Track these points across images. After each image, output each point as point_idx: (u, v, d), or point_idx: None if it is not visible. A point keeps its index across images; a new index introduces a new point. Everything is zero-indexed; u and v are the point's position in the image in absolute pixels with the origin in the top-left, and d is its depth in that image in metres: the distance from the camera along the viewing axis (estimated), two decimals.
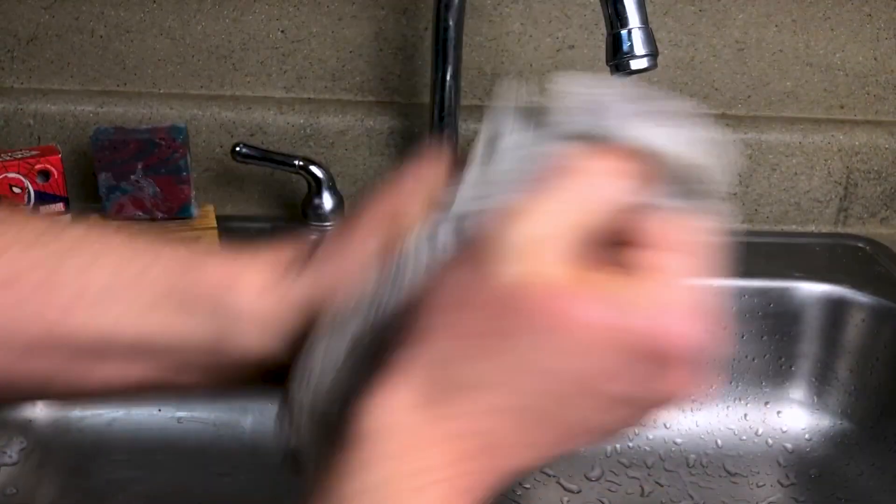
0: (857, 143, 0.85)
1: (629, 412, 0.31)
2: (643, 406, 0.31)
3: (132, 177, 0.74)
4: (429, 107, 0.74)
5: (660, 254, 0.29)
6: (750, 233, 0.87)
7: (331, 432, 0.33)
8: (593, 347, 0.28)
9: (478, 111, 0.84)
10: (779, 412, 0.80)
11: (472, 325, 0.29)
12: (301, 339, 0.36)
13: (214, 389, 0.39)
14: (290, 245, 0.38)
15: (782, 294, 0.78)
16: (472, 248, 0.30)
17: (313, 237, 0.38)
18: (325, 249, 0.36)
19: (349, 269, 0.35)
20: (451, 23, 0.70)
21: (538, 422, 0.30)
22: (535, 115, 0.30)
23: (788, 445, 0.78)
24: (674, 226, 0.30)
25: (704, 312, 0.29)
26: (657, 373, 0.29)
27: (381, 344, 0.32)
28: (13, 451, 0.71)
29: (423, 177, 0.35)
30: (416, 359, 0.30)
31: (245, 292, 0.36)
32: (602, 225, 0.30)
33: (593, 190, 0.30)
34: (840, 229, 0.89)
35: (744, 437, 0.78)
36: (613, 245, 0.30)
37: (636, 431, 0.35)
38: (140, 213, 0.76)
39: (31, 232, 0.36)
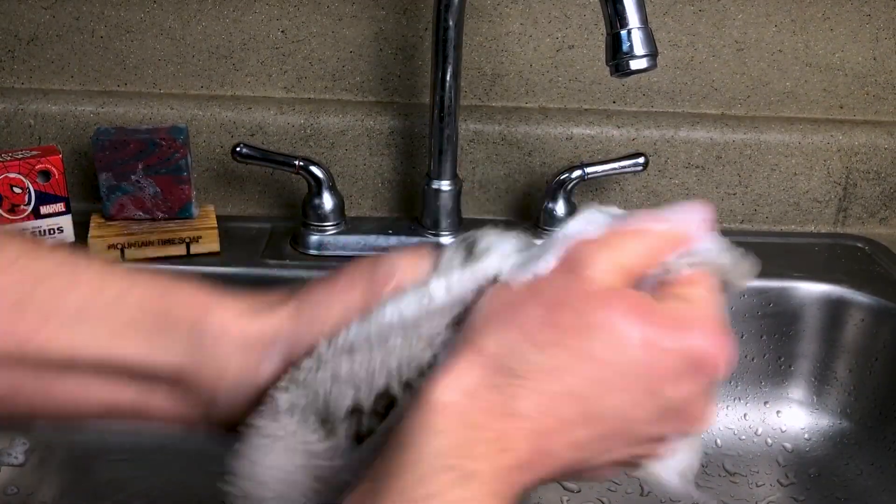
0: (856, 143, 0.85)
1: (665, 419, 0.36)
2: (677, 415, 0.36)
3: (133, 177, 0.75)
4: (429, 107, 0.75)
5: (695, 290, 0.36)
6: (749, 233, 0.88)
7: (387, 408, 0.36)
8: (649, 348, 0.34)
9: (478, 111, 0.84)
10: (778, 412, 0.80)
11: (547, 317, 0.34)
12: (274, 365, 0.38)
13: (174, 431, 0.40)
14: (265, 294, 0.40)
15: (781, 294, 0.78)
16: (566, 262, 0.36)
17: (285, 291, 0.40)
18: (307, 292, 0.39)
19: (332, 308, 0.38)
20: (451, 23, 0.70)
21: (586, 413, 0.34)
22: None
23: (788, 445, 0.78)
24: (701, 274, 0.37)
25: (728, 337, 0.35)
26: (698, 373, 0.35)
27: (446, 333, 0.36)
28: (18, 453, 0.71)
29: (401, 261, 0.39)
30: (483, 344, 0.34)
31: (223, 315, 0.38)
32: (655, 269, 0.37)
33: (653, 244, 0.37)
34: (839, 229, 0.89)
35: (743, 437, 0.78)
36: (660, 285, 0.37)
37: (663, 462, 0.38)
38: (140, 213, 0.76)
39: (10, 253, 0.37)
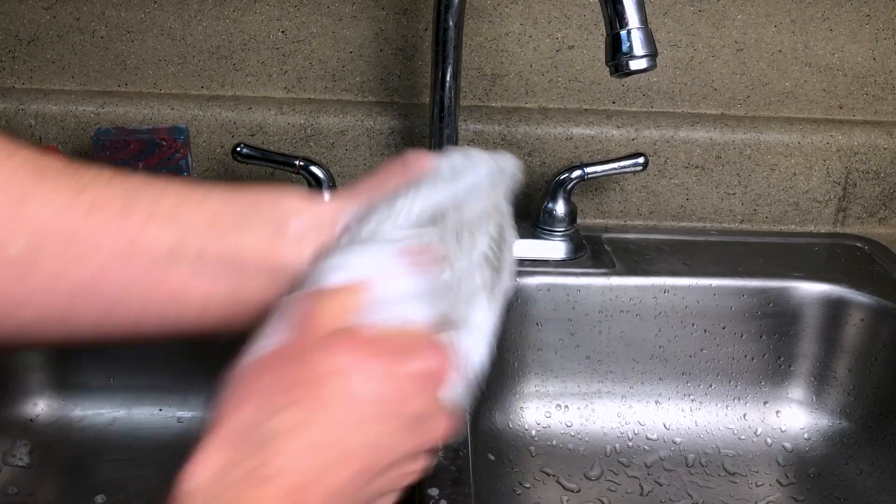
0: (855, 143, 0.85)
1: (412, 437, 0.39)
2: (432, 421, 0.39)
3: None
4: (429, 107, 0.75)
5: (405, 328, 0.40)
6: (749, 233, 0.88)
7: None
8: (382, 378, 0.37)
9: (478, 111, 0.84)
10: (778, 412, 0.80)
11: (278, 382, 0.36)
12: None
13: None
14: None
15: (781, 294, 0.78)
16: (294, 322, 0.38)
17: None
18: (355, 185, 0.46)
19: (378, 192, 0.44)
20: (451, 23, 0.70)
21: (338, 456, 0.36)
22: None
23: (787, 445, 0.78)
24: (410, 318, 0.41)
25: (446, 352, 0.40)
26: (430, 388, 0.39)
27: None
28: (23, 454, 0.71)
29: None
30: (222, 425, 0.35)
31: (294, 199, 0.44)
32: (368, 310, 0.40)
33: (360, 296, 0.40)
34: (839, 229, 0.89)
35: (743, 437, 0.79)
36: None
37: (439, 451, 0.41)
38: None
39: (107, 173, 0.42)
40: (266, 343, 0.38)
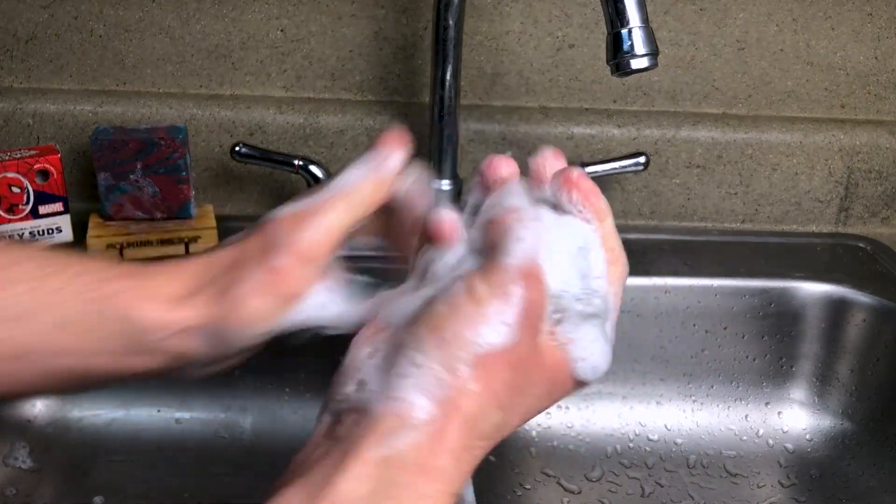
0: (858, 142, 0.85)
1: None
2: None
3: (131, 176, 0.74)
4: (429, 106, 0.74)
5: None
6: (750, 233, 0.87)
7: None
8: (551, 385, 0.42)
9: (478, 110, 0.83)
10: (780, 412, 0.80)
11: (512, 383, 0.39)
12: (205, 344, 0.42)
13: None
14: (191, 260, 0.44)
15: (783, 294, 0.78)
16: (526, 324, 0.39)
17: (205, 253, 0.44)
18: (226, 266, 0.43)
19: (253, 289, 0.42)
20: (450, 22, 0.69)
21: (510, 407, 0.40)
22: None
23: (789, 446, 0.78)
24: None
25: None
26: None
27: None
28: (22, 456, 0.71)
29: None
30: (467, 412, 0.37)
31: (153, 305, 0.41)
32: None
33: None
34: (841, 229, 0.89)
35: (744, 438, 0.78)
36: None
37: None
38: (139, 213, 0.76)
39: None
40: (502, 341, 0.38)
